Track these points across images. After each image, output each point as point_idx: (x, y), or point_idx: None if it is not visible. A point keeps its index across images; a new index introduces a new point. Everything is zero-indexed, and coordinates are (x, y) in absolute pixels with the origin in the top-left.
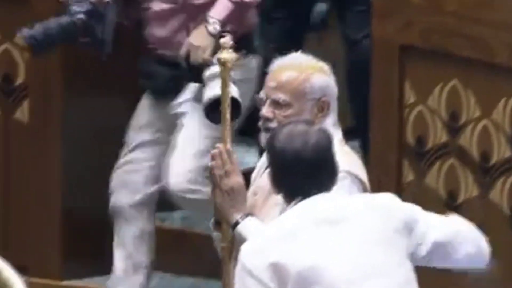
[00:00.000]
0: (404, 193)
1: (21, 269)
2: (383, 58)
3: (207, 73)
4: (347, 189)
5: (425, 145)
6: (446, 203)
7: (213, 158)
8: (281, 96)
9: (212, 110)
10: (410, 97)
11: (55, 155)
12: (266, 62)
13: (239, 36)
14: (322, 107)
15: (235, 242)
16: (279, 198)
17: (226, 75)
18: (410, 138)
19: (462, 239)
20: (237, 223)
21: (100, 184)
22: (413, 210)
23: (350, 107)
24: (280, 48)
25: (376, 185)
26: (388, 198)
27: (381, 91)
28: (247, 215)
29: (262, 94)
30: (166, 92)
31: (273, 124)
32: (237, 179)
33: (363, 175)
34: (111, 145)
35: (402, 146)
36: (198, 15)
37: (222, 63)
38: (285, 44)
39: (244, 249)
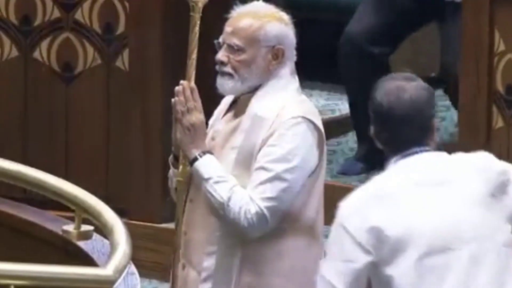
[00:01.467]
0: (493, 140)
1: (120, 211)
2: (473, 7)
3: None
4: (303, 133)
5: None
6: None
7: (176, 94)
8: (235, 41)
9: None
10: (499, 45)
11: (155, 103)
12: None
13: None
14: (276, 55)
15: (192, 179)
16: (235, 142)
17: (197, 14)
18: (499, 86)
19: None
20: (195, 159)
21: None
22: (508, 171)
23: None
24: None
25: (467, 131)
26: (486, 159)
27: (472, 40)
28: (205, 152)
29: (220, 39)
30: None
31: (227, 68)
32: (198, 116)
33: (318, 121)
34: (212, 90)
35: (492, 93)
36: None
37: (193, 2)
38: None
39: (343, 208)
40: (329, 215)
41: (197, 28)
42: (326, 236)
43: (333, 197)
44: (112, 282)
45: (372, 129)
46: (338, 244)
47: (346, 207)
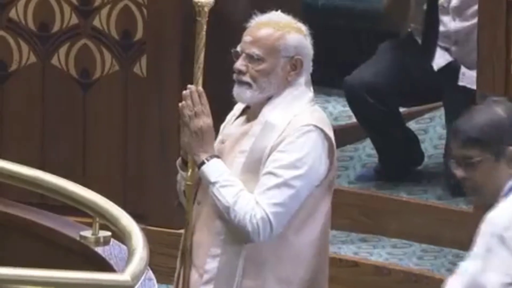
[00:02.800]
0: None
1: (138, 217)
2: (490, 14)
3: None
4: (314, 141)
5: None
6: None
7: (184, 98)
8: (255, 51)
9: None
10: None
11: (173, 109)
12: None
13: None
14: (295, 65)
15: (200, 183)
16: (244, 146)
17: (203, 19)
18: None
19: None
20: (202, 163)
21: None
22: None
23: None
24: None
25: None
26: None
27: (488, 47)
28: (213, 156)
29: (238, 48)
30: None
31: (246, 78)
32: (206, 120)
33: (329, 131)
34: (227, 96)
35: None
36: None
37: (199, 7)
38: None
39: (498, 218)
40: (345, 221)
41: (203, 33)
42: (333, 242)
43: (349, 203)
44: (130, 287)
45: (485, 155)
46: (495, 255)
47: (502, 217)
